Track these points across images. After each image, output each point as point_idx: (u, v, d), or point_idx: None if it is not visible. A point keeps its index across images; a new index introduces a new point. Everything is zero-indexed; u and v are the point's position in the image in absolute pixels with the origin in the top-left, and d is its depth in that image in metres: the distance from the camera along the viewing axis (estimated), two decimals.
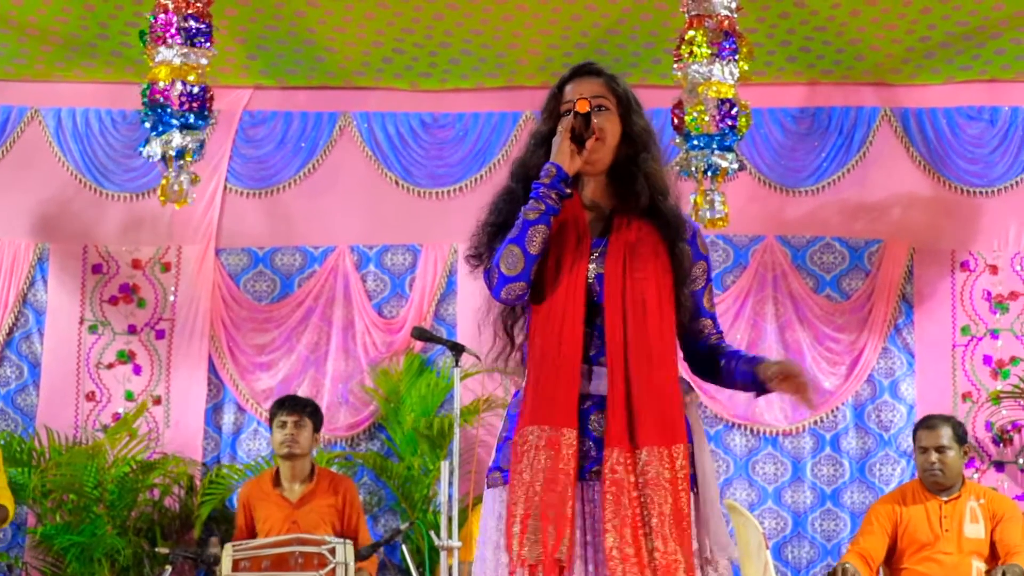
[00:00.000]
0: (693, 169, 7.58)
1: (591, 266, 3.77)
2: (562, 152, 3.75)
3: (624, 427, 3.65)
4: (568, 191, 3.75)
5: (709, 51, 7.38)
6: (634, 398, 3.67)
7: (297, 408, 7.72)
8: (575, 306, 3.71)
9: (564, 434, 3.65)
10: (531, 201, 3.72)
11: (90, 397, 8.92)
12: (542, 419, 3.67)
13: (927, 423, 7.27)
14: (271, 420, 7.74)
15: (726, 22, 7.40)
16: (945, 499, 7.03)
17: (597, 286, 3.75)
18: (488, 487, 3.80)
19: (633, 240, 3.78)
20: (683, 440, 3.69)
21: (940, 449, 7.05)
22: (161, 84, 7.25)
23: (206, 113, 7.39)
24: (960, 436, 7.12)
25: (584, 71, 3.94)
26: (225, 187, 9.10)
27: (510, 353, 3.94)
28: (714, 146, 7.47)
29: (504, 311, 3.92)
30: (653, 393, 3.68)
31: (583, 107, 3.72)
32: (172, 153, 7.32)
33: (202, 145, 7.47)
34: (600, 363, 3.72)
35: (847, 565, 6.83)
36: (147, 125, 7.38)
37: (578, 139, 3.76)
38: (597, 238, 3.82)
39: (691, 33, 7.46)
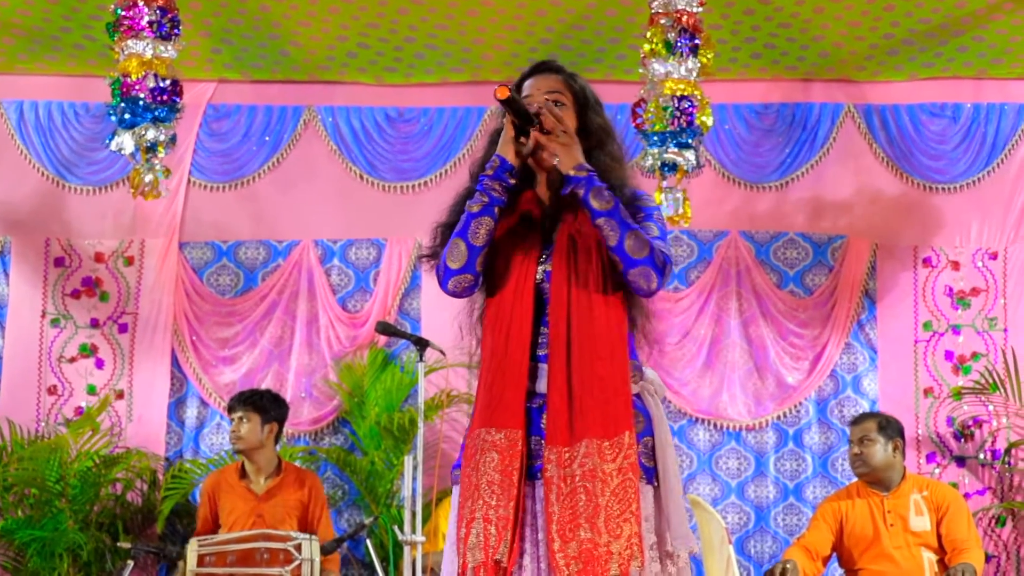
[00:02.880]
0: (649, 166, 7.60)
1: (540, 267, 3.80)
2: (505, 143, 3.77)
3: (564, 423, 3.69)
4: (512, 182, 3.77)
5: (665, 47, 7.39)
6: (575, 393, 3.70)
7: (240, 402, 7.68)
8: (523, 306, 3.75)
9: (509, 435, 3.68)
10: (476, 194, 3.76)
11: (52, 391, 8.88)
12: (490, 421, 3.72)
13: (854, 419, 7.42)
14: (229, 415, 7.75)
15: (684, 18, 7.40)
16: (886, 493, 7.10)
17: (546, 284, 3.78)
18: (453, 484, 3.84)
19: (577, 231, 3.80)
20: (627, 430, 3.69)
21: (861, 441, 7.15)
22: (132, 77, 7.22)
23: (177, 106, 7.36)
24: (887, 430, 7.18)
25: (542, 68, 3.98)
26: (189, 180, 9.07)
27: None
28: (669, 143, 7.47)
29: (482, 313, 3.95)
30: (596, 387, 3.70)
31: (502, 94, 3.70)
32: (146, 146, 7.29)
33: (174, 138, 7.46)
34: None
35: (787, 564, 6.89)
36: (114, 119, 7.34)
37: (521, 130, 3.78)
38: (544, 239, 3.84)
39: (652, 29, 7.48)
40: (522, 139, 3.79)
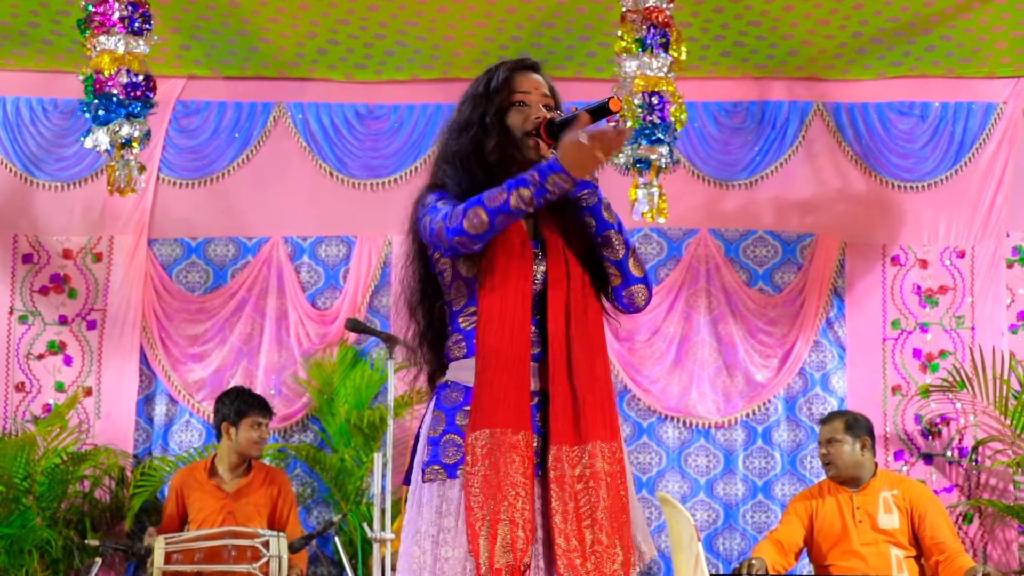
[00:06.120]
0: (622, 163, 7.61)
1: (539, 268, 3.78)
2: (586, 161, 3.60)
3: (570, 423, 3.68)
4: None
5: (637, 44, 7.41)
6: (578, 393, 3.69)
7: (269, 410, 7.81)
8: (524, 305, 3.72)
9: (523, 437, 3.66)
10: (527, 194, 3.60)
11: (20, 388, 8.85)
12: (500, 422, 3.66)
13: (822, 419, 7.50)
14: (239, 416, 7.63)
15: (655, 14, 7.42)
16: (855, 491, 7.15)
17: (543, 286, 3.77)
18: (425, 481, 3.78)
19: (564, 232, 3.82)
20: (620, 435, 3.75)
21: (830, 442, 7.24)
22: (106, 73, 7.20)
23: (150, 101, 7.34)
24: (855, 429, 7.25)
25: (531, 66, 3.95)
26: (158, 177, 9.04)
27: (423, 335, 3.96)
28: (641, 139, 7.49)
29: (424, 290, 3.92)
30: (595, 387, 3.72)
31: (617, 106, 3.68)
32: (121, 142, 7.26)
33: (149, 134, 7.43)
34: (543, 360, 3.74)
35: (754, 560, 6.93)
36: (88, 115, 7.31)
37: (557, 135, 3.76)
38: (534, 239, 3.83)
39: (624, 27, 7.49)
40: (552, 152, 3.75)
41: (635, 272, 3.81)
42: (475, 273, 3.79)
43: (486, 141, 3.87)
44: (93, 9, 7.26)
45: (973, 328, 8.96)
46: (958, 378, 8.65)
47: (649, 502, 8.59)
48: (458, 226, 3.64)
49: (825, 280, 8.95)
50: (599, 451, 3.68)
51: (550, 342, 3.72)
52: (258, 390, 8.52)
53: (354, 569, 7.92)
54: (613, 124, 3.74)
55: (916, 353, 8.95)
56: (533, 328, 3.75)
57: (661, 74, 7.44)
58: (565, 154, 3.61)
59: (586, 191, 3.76)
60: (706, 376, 8.90)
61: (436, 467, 3.74)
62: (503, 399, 3.68)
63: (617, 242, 3.78)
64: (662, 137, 7.47)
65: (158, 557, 6.78)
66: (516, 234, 3.79)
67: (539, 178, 3.61)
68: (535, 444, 3.70)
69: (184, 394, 8.85)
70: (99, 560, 7.26)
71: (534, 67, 3.95)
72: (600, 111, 3.69)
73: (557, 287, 3.75)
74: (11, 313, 8.93)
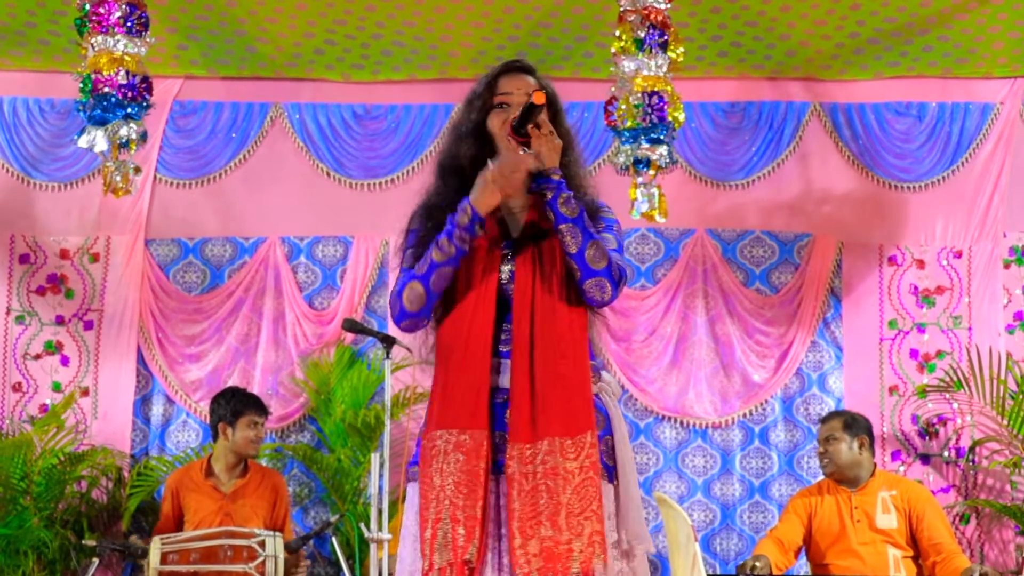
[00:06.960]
0: (622, 163, 7.61)
1: (504, 267, 3.80)
2: (485, 190, 3.73)
3: (527, 421, 3.69)
4: (480, 232, 3.76)
5: (635, 44, 7.41)
6: (538, 391, 3.70)
7: (265, 410, 7.83)
8: (485, 307, 3.75)
9: (474, 436, 3.68)
10: (443, 240, 3.72)
11: (17, 388, 8.84)
12: (451, 422, 3.71)
13: (821, 418, 7.54)
14: (235, 416, 7.63)
15: (653, 14, 7.42)
16: (853, 490, 7.15)
17: (510, 284, 3.78)
18: (409, 481, 3.84)
19: (541, 232, 3.82)
20: (589, 429, 3.71)
21: (827, 440, 7.26)
22: (104, 73, 7.18)
23: (147, 102, 7.33)
24: (853, 428, 7.26)
25: (517, 67, 3.96)
26: (155, 177, 9.04)
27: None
28: (641, 139, 7.49)
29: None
30: (558, 385, 3.71)
31: (540, 99, 3.70)
32: (119, 143, 7.25)
33: (145, 135, 7.41)
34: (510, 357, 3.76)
35: (758, 560, 6.93)
36: (83, 115, 7.29)
37: (521, 132, 3.77)
38: (509, 239, 3.85)
39: (622, 27, 7.49)
40: (523, 149, 3.77)
41: (592, 265, 3.74)
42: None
43: (460, 144, 3.89)
44: (91, 9, 7.25)
45: (970, 328, 8.96)
46: (955, 378, 8.65)
47: (646, 502, 8.58)
48: (399, 313, 3.81)
49: (822, 280, 8.96)
50: (558, 448, 3.67)
51: (513, 341, 3.74)
52: (255, 390, 8.51)
53: (351, 569, 7.91)
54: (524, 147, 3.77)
55: (913, 353, 8.96)
56: (507, 326, 3.77)
57: (660, 74, 7.44)
58: (473, 189, 3.74)
59: (544, 186, 3.76)
60: (703, 376, 8.91)
61: (416, 467, 3.80)
62: (455, 400, 3.72)
63: (571, 236, 3.74)
64: (662, 137, 7.47)
65: (154, 557, 6.77)
66: (486, 236, 3.81)
67: (448, 220, 3.73)
68: (498, 439, 3.72)
69: (181, 394, 8.85)
70: (96, 560, 7.25)
71: (524, 69, 3.96)
72: (529, 110, 3.73)
73: (523, 287, 3.77)
74: (8, 313, 8.93)
